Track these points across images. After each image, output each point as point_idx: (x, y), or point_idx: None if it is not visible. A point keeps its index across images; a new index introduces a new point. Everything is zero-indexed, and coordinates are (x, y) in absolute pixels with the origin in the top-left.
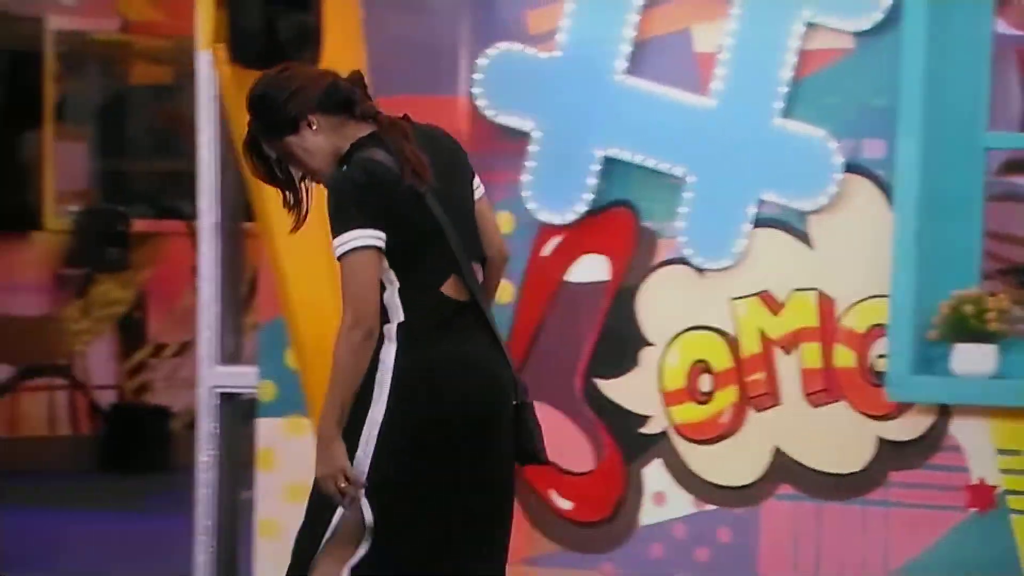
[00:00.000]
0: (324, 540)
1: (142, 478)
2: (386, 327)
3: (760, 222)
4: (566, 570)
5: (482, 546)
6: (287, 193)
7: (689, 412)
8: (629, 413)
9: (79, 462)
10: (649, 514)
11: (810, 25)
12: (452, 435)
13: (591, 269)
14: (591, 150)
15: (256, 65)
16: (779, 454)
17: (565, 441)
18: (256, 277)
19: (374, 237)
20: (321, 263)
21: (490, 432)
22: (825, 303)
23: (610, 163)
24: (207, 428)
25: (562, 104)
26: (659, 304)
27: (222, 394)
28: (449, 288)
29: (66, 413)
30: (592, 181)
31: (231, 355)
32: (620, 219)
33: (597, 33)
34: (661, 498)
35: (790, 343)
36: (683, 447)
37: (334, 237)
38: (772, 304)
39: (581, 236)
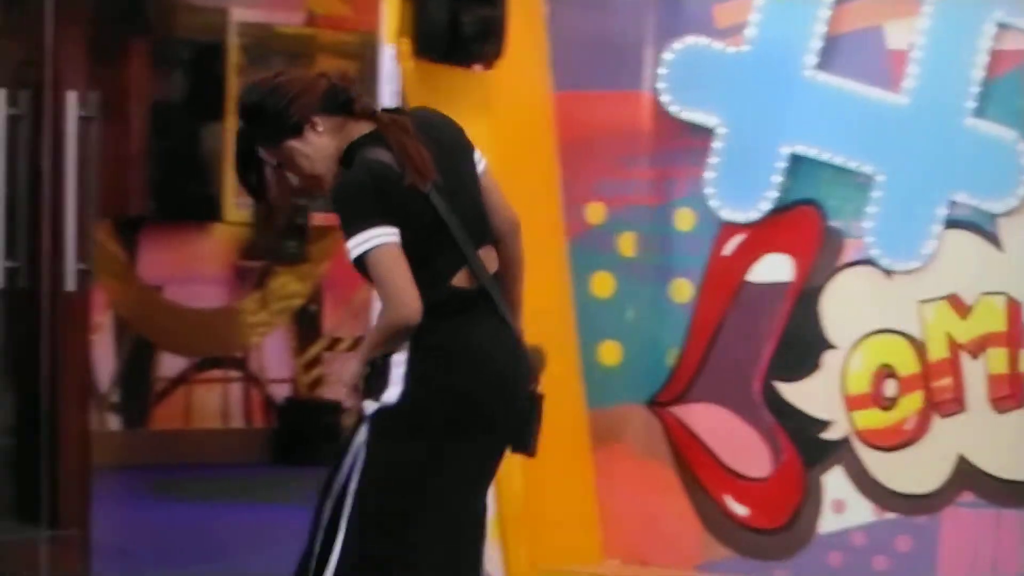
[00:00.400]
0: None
1: (313, 472)
2: None
3: (949, 223)
4: None
5: (469, 547)
6: (270, 205)
7: (872, 418)
8: (809, 418)
9: (251, 455)
10: (828, 522)
11: (1001, 26)
12: (462, 429)
13: (774, 269)
14: (777, 147)
15: (440, 60)
16: (962, 461)
17: (742, 445)
18: None
19: (391, 234)
20: None
21: (497, 430)
22: (1013, 307)
23: (796, 160)
24: None
25: (748, 99)
26: (844, 306)
27: None
28: (460, 280)
29: (240, 406)
30: (777, 179)
31: None
32: (805, 218)
33: (787, 28)
34: (841, 506)
35: (977, 348)
36: (865, 454)
37: (348, 238)
38: (960, 307)
39: (764, 235)
